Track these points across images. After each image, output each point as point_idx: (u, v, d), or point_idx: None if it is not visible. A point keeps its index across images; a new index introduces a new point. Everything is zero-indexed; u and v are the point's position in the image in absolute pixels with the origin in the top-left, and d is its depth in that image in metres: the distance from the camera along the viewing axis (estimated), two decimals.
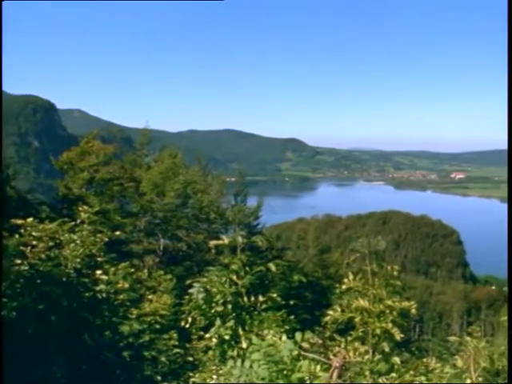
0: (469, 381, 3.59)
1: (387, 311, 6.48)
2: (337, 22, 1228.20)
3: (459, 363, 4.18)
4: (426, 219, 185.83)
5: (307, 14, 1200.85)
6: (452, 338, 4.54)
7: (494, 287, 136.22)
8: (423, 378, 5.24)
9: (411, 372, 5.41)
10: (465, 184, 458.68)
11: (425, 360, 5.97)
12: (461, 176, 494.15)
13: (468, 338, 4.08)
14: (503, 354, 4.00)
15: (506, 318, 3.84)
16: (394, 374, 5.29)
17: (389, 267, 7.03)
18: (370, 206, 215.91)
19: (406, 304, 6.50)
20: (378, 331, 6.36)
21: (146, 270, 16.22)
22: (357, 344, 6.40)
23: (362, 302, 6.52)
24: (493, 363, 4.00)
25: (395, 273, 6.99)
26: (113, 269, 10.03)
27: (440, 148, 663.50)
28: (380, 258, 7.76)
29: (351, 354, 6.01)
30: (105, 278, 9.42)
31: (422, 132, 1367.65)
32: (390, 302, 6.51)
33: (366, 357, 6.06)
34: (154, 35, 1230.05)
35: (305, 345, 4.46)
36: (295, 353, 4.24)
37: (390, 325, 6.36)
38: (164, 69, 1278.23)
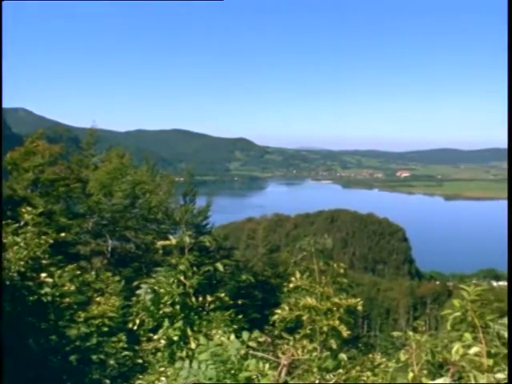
0: (411, 374, 3.69)
1: (334, 308, 6.57)
2: (287, 22, 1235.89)
3: (402, 357, 4.29)
4: (372, 217, 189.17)
5: (260, 15, 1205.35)
6: (395, 333, 4.64)
7: (438, 282, 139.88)
8: (369, 373, 5.36)
9: (357, 368, 5.52)
10: (410, 182, 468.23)
11: (371, 355, 6.11)
12: (406, 174, 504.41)
13: (410, 333, 4.19)
14: (446, 346, 4.12)
15: (447, 311, 3.96)
16: (341, 370, 5.39)
17: (335, 265, 7.13)
18: (318, 204, 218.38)
19: (352, 301, 6.60)
20: (325, 328, 6.43)
21: (93, 272, 16.00)
22: (305, 342, 6.46)
23: (310, 300, 6.58)
24: (434, 356, 4.12)
25: (342, 270, 7.09)
26: (58, 271, 9.86)
27: (386, 147, 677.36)
28: (327, 256, 7.86)
29: (299, 351, 6.06)
30: (50, 280, 9.25)
31: (369, 131, 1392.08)
32: (336, 300, 6.60)
33: (314, 354, 6.13)
34: (100, 34, 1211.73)
35: (252, 344, 4.49)
36: (242, 352, 4.27)
37: (337, 322, 6.44)
38: (112, 68, 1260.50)
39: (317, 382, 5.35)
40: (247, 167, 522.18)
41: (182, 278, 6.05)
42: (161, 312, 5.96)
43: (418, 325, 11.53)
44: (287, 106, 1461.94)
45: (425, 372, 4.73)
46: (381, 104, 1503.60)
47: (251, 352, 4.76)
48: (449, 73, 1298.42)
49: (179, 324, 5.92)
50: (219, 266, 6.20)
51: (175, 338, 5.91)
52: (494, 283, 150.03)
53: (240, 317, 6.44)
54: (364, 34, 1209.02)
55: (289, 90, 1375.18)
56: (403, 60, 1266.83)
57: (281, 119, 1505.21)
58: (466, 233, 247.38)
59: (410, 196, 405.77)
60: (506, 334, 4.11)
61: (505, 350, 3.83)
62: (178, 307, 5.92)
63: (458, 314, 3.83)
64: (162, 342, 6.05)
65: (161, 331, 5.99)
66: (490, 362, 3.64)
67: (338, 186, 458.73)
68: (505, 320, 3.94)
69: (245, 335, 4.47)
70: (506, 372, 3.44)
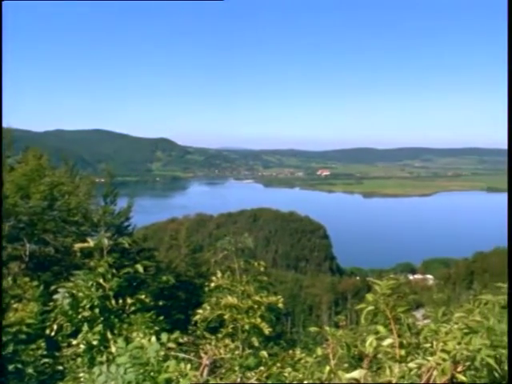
0: (328, 368, 3.80)
1: (255, 307, 6.64)
2: (208, 21, 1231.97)
3: (319, 352, 4.41)
4: (294, 215, 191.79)
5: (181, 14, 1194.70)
6: (312, 329, 4.76)
7: (358, 278, 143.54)
8: (290, 369, 5.45)
9: (278, 364, 5.60)
10: (330, 181, 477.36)
11: (291, 351, 6.21)
12: (326, 173, 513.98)
13: (327, 328, 4.30)
14: (362, 340, 4.25)
15: (361, 305, 4.10)
16: (262, 368, 5.46)
17: (256, 263, 7.20)
18: (240, 204, 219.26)
19: (273, 299, 6.69)
20: (247, 327, 6.49)
21: (10, 278, 15.44)
22: (227, 340, 6.49)
23: (231, 299, 6.63)
24: (349, 349, 4.26)
25: (262, 269, 7.18)
26: None
27: (307, 146, 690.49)
28: (249, 255, 7.92)
29: (222, 350, 6.09)
30: None
31: (290, 131, 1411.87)
32: (257, 298, 6.66)
33: (236, 352, 6.17)
34: (13, 31, 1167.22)
35: (171, 345, 4.47)
36: (162, 353, 4.24)
37: (258, 320, 6.51)
38: (30, 66, 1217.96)
39: (238, 380, 5.40)
40: (169, 167, 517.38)
41: (101, 280, 5.94)
42: (80, 316, 5.82)
43: (339, 320, 11.81)
44: (208, 106, 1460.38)
45: (346, 365, 4.87)
46: (300, 104, 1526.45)
47: (173, 353, 4.75)
48: (362, 74, 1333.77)
49: (99, 328, 5.81)
50: (139, 268, 6.12)
51: (95, 343, 5.78)
52: (411, 276, 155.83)
53: (161, 318, 6.39)
54: (282, 31, 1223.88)
55: (209, 90, 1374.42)
56: (320, 61, 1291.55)
57: (202, 119, 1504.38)
58: (385, 228, 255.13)
59: (330, 194, 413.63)
60: (419, 325, 4.30)
61: (415, 340, 4.01)
62: (97, 311, 5.81)
63: (371, 307, 3.97)
64: (82, 346, 5.91)
65: (80, 336, 5.86)
66: (403, 352, 3.79)
67: (259, 185, 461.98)
68: (417, 312, 4.11)
69: (164, 336, 4.45)
70: (417, 361, 3.59)
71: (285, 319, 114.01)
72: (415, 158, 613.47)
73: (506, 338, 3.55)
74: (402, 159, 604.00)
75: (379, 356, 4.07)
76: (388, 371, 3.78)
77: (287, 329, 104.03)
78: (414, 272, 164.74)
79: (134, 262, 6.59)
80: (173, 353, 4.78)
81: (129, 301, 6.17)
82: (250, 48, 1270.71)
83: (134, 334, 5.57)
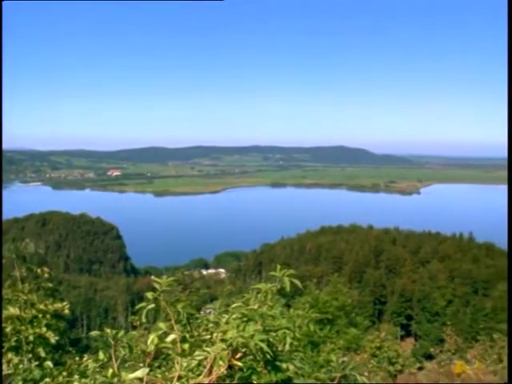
0: (111, 370, 3.80)
1: (40, 315, 6.38)
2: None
3: (101, 356, 4.40)
4: (85, 217, 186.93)
5: None
6: (93, 333, 4.70)
7: (153, 276, 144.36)
8: (77, 376, 5.30)
9: (64, 373, 5.44)
10: (121, 181, 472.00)
11: (77, 358, 6.05)
12: (117, 173, 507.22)
13: (108, 330, 4.27)
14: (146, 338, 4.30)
15: (141, 304, 4.16)
16: (47, 379, 5.25)
17: (39, 270, 6.92)
18: (27, 208, 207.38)
19: (58, 306, 6.47)
20: (31, 338, 6.21)
21: None
22: (10, 355, 6.14)
23: (13, 310, 6.28)
24: (131, 350, 4.30)
25: (46, 275, 6.91)
26: None
27: (96, 147, 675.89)
28: (38, 261, 7.58)
29: (4, 366, 5.76)
30: None
31: (79, 131, 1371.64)
32: (42, 306, 6.41)
33: (21, 366, 5.87)
34: None
35: None
36: None
37: (44, 329, 6.26)
38: None
39: None
40: None
41: None
42: None
43: (134, 320, 11.77)
44: None
45: (141, 364, 4.88)
46: (90, 102, 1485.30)
47: None
48: (145, 73, 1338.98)
49: None
50: None
51: None
52: (204, 271, 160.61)
53: None
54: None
55: None
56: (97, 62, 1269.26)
57: None
58: (177, 226, 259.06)
59: (122, 194, 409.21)
60: (205, 318, 4.46)
61: (196, 333, 4.18)
62: None
63: (151, 305, 4.04)
64: None
65: None
66: (186, 346, 3.91)
67: (48, 187, 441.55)
68: (210, 305, 4.26)
69: None
70: (198, 353, 3.74)
71: (80, 325, 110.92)
72: (204, 156, 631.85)
73: (277, 322, 3.86)
74: (191, 158, 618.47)
75: (169, 352, 4.15)
76: (177, 366, 3.88)
77: (83, 334, 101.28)
78: (207, 267, 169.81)
79: None
80: None
81: None
82: (43, 45, 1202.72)
83: None
